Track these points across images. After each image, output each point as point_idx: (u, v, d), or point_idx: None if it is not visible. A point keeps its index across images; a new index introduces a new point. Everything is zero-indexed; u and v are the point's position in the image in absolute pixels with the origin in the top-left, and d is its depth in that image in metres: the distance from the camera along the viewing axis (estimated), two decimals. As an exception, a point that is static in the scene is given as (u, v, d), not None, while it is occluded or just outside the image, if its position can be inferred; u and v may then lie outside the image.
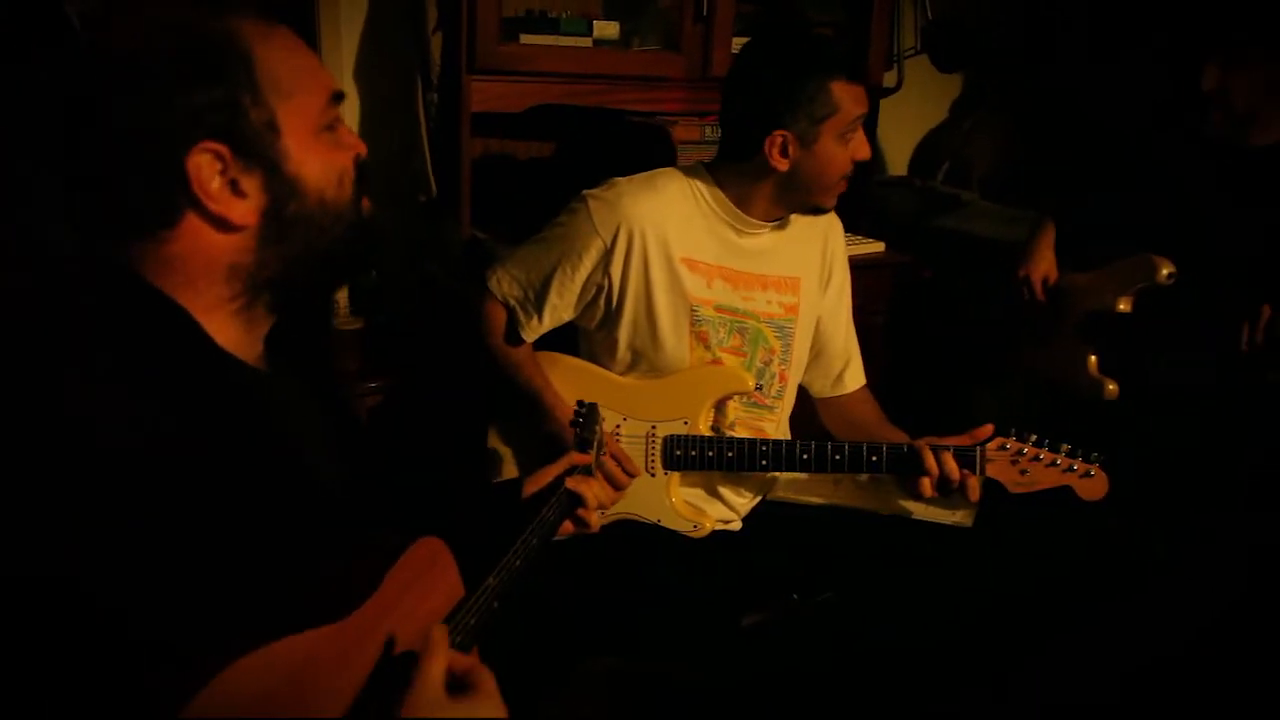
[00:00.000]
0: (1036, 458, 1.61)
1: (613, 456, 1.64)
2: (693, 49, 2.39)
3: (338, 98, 0.97)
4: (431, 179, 2.33)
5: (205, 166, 0.88)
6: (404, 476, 1.28)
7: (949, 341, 2.60)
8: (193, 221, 0.90)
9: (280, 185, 0.92)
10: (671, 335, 1.74)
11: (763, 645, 1.76)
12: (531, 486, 1.39)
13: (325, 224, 0.95)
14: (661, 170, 1.77)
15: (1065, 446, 1.61)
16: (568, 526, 1.41)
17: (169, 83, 0.87)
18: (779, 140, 1.63)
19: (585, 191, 1.73)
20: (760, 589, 1.79)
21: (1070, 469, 1.59)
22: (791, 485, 1.90)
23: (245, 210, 0.91)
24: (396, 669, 0.93)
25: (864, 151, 1.70)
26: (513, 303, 1.75)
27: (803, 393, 1.96)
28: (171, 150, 0.87)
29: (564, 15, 2.29)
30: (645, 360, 1.77)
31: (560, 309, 1.74)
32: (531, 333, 1.76)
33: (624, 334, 1.75)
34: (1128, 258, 1.91)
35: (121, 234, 0.91)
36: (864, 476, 1.82)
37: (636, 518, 1.75)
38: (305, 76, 0.95)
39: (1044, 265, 2.10)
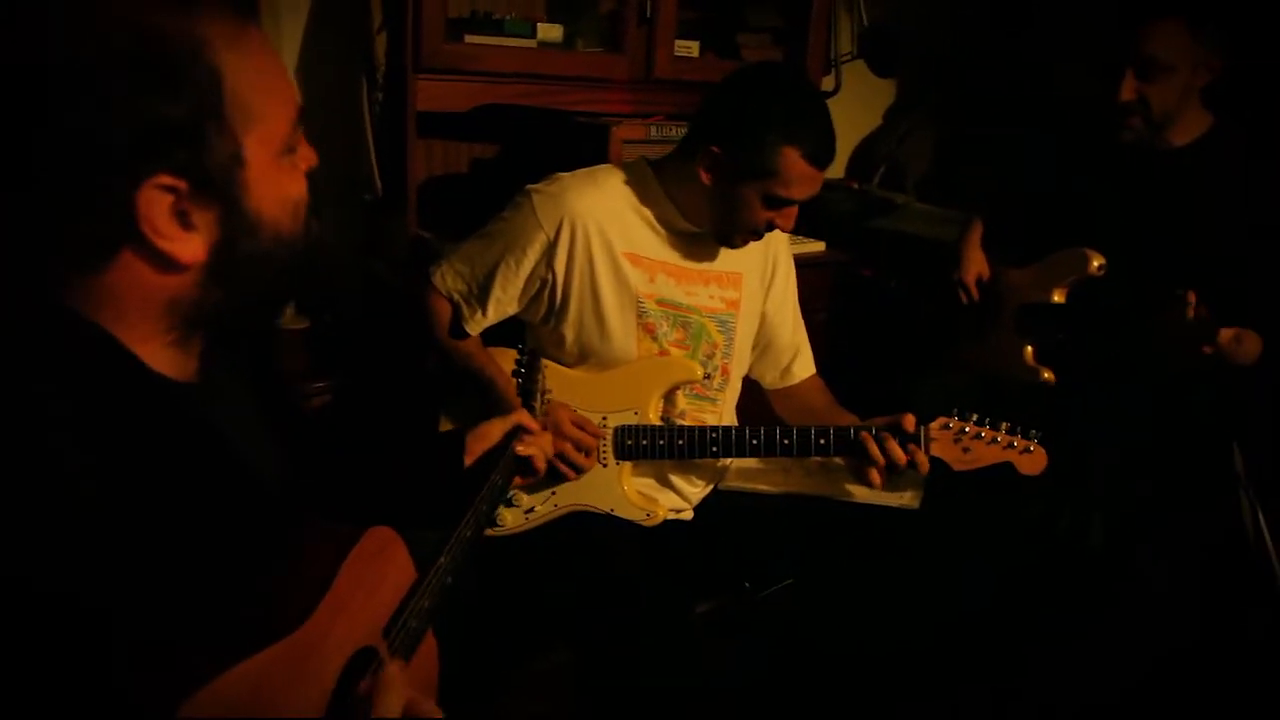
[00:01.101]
0: (978, 435, 1.66)
1: (574, 424, 1.68)
2: (636, 51, 2.43)
3: (302, 115, 0.88)
4: (377, 178, 2.33)
5: (157, 202, 0.78)
6: (351, 461, 1.28)
7: (889, 338, 2.67)
8: (131, 256, 0.80)
9: (236, 222, 0.83)
10: (619, 329, 1.75)
11: (717, 636, 1.78)
12: (476, 444, 1.39)
13: (276, 258, 0.87)
14: (604, 165, 1.80)
15: (1005, 424, 1.66)
16: (515, 478, 1.45)
17: (123, 97, 0.74)
18: (710, 154, 1.64)
19: (529, 186, 1.74)
20: (713, 578, 1.82)
21: (1010, 445, 1.65)
22: (742, 474, 1.93)
23: (194, 247, 0.81)
24: (354, 673, 0.93)
25: (786, 224, 1.70)
26: (456, 297, 1.75)
27: (755, 383, 2.00)
28: (120, 179, 0.76)
29: (508, 17, 2.31)
30: (594, 354, 1.78)
31: (504, 302, 1.75)
32: (475, 326, 1.77)
33: (571, 329, 1.76)
34: (1060, 252, 1.99)
35: (48, 261, 0.80)
36: (813, 462, 1.86)
37: (589, 508, 1.76)
38: (274, 95, 0.85)
39: (975, 266, 2.17)
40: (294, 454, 1.06)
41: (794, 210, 1.68)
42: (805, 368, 1.99)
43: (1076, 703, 1.95)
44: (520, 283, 1.73)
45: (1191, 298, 1.71)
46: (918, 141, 3.34)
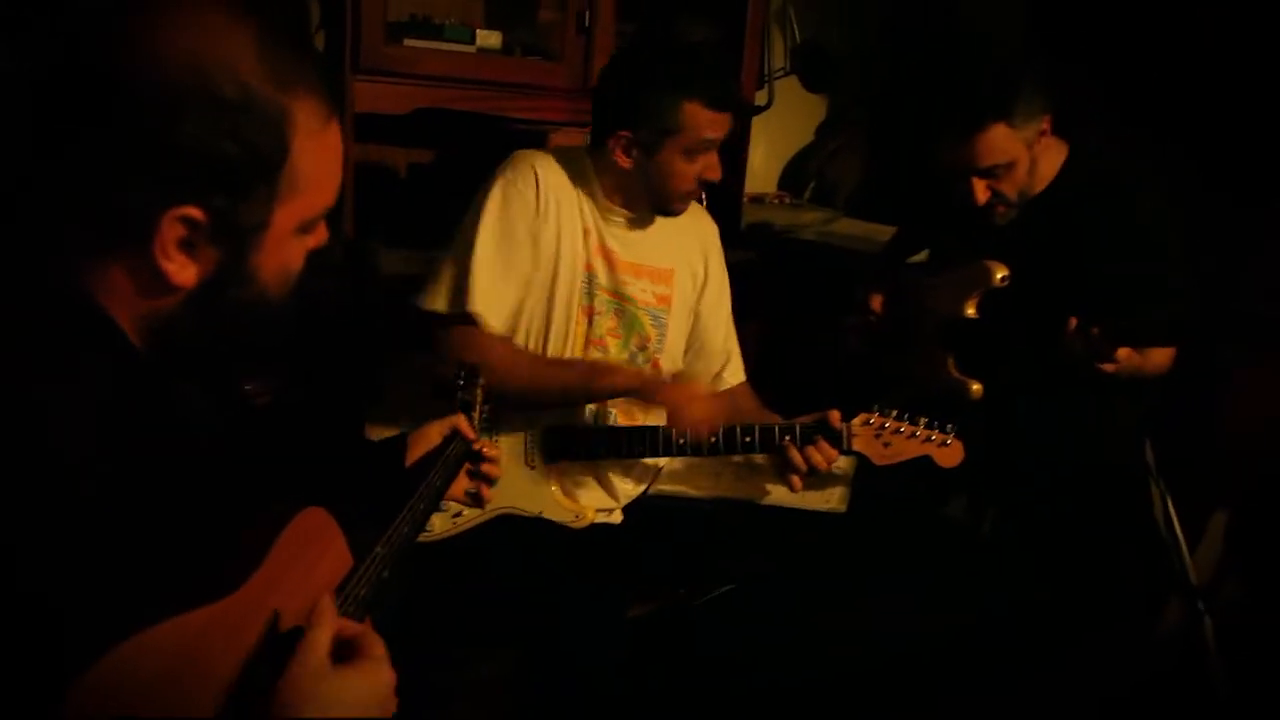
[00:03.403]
0: (898, 430, 1.73)
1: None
2: (574, 60, 2.46)
3: (333, 206, 0.94)
4: (312, 180, 2.31)
5: (177, 225, 0.83)
6: (288, 449, 1.29)
7: (817, 349, 2.72)
8: (132, 257, 0.84)
9: (234, 270, 0.88)
10: (564, 299, 1.77)
11: (651, 641, 1.81)
12: (416, 448, 1.40)
13: (253, 312, 0.92)
14: (554, 148, 1.85)
15: (923, 419, 1.74)
16: (458, 490, 1.44)
17: (203, 128, 0.80)
18: (622, 140, 1.71)
19: (499, 174, 1.75)
20: (646, 582, 1.83)
21: (929, 439, 1.73)
22: (673, 478, 1.96)
23: (188, 275, 0.86)
24: (285, 643, 0.92)
25: (714, 173, 1.76)
26: (507, 314, 1.73)
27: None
28: (157, 196, 0.81)
29: (448, 22, 2.33)
30: (532, 323, 1.78)
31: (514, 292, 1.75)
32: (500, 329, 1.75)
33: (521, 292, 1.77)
34: (964, 264, 2.02)
35: (53, 238, 0.84)
36: (742, 466, 1.90)
37: (518, 512, 1.77)
38: (324, 183, 0.91)
39: (874, 303, 2.21)
40: (239, 442, 1.07)
41: (715, 158, 1.74)
42: (735, 374, 2.03)
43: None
44: (527, 267, 1.74)
45: (1073, 325, 1.77)
46: (848, 157, 3.42)
